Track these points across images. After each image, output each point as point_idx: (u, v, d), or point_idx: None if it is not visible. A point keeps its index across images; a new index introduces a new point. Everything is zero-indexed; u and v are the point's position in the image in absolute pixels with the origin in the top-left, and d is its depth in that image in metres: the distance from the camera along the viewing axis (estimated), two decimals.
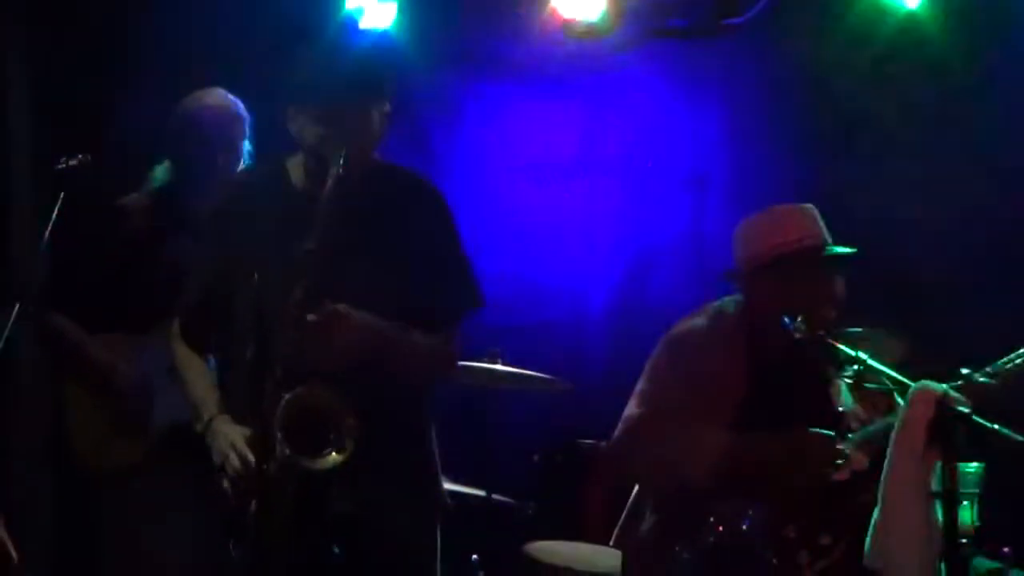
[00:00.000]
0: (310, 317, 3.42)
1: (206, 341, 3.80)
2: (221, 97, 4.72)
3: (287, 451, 3.37)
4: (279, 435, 3.36)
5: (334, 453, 3.41)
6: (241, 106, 4.71)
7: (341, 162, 3.50)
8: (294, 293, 3.43)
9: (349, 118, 3.58)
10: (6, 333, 4.04)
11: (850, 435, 4.14)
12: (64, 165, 4.25)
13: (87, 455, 4.61)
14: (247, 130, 4.69)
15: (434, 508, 3.77)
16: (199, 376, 3.75)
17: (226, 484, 3.49)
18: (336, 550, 3.48)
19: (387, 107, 3.67)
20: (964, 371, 4.08)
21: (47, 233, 4.15)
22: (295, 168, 3.74)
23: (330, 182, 3.51)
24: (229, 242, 3.71)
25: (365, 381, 3.46)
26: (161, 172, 4.75)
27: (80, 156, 4.28)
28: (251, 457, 3.42)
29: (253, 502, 3.41)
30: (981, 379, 4.07)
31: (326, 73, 3.59)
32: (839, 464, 4.05)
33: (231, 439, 3.50)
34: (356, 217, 3.59)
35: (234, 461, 3.46)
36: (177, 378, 3.80)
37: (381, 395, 3.52)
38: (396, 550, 3.61)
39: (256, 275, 3.43)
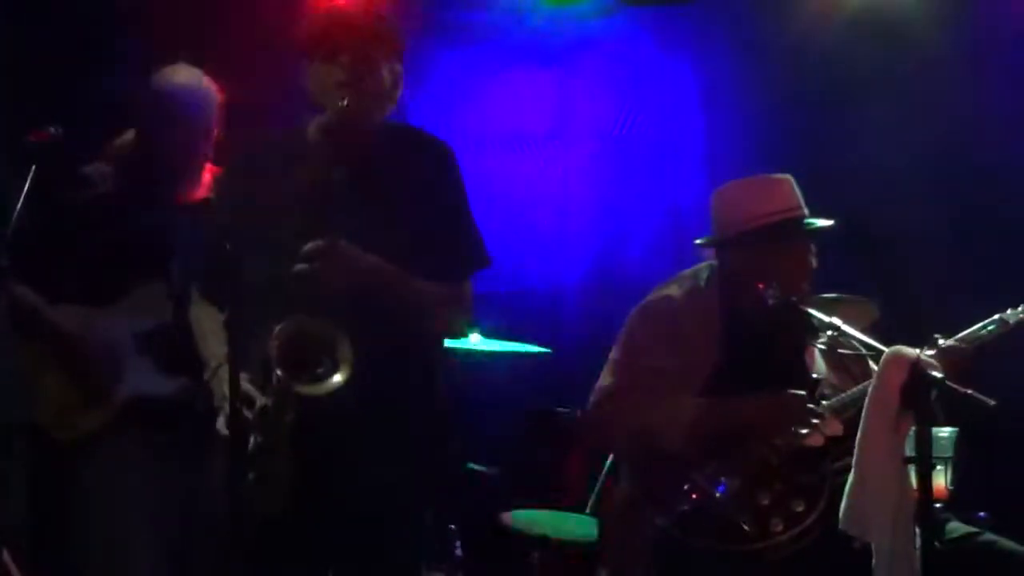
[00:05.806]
0: (309, 245, 3.44)
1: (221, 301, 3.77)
2: (191, 76, 4.66)
3: (281, 375, 3.37)
4: (274, 361, 3.37)
5: (331, 377, 3.39)
6: (211, 86, 4.65)
7: (342, 105, 3.57)
8: (293, 225, 3.46)
9: (359, 70, 3.64)
10: None
11: (824, 401, 4.15)
12: (35, 139, 4.22)
13: (49, 425, 4.58)
14: (215, 109, 4.63)
15: (435, 459, 3.73)
16: (212, 331, 3.77)
17: (221, 425, 3.50)
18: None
19: (398, 66, 3.76)
20: (937, 336, 4.11)
21: (18, 207, 4.13)
22: (313, 129, 3.77)
23: (317, 127, 3.59)
24: (239, 206, 3.74)
25: (367, 318, 3.45)
26: (124, 143, 4.70)
27: (52, 129, 4.25)
28: (253, 394, 3.44)
29: (253, 440, 3.42)
30: (954, 344, 4.09)
31: (339, 27, 3.70)
32: (813, 423, 4.07)
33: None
34: (362, 170, 3.61)
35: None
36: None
37: (384, 334, 3.50)
38: (386, 497, 3.58)
39: (258, 236, 3.47)
